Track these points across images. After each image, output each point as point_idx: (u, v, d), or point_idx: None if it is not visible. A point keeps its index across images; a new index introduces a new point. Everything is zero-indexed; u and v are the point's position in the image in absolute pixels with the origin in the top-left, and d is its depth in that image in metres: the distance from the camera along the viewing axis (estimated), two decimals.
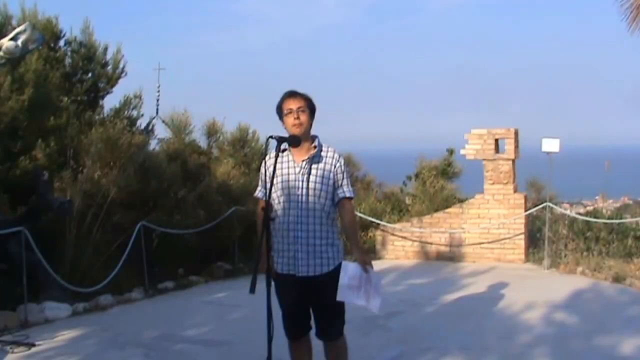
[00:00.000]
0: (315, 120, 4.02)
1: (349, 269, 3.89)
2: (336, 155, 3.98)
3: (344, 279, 3.86)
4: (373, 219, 11.59)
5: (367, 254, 4.03)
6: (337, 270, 3.93)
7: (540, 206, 10.29)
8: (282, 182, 3.92)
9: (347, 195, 3.96)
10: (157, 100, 14.91)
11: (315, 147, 3.95)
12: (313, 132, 4.01)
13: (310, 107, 3.97)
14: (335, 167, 3.95)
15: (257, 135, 14.08)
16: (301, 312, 4.03)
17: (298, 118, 3.89)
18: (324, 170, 3.93)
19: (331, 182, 3.94)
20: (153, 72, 15.74)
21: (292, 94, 3.96)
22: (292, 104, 3.91)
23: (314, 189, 3.89)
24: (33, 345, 5.71)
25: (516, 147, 10.41)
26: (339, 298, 3.85)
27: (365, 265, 3.90)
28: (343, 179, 3.97)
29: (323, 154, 3.96)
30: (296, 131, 3.88)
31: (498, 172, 10.31)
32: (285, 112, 3.93)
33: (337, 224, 4.06)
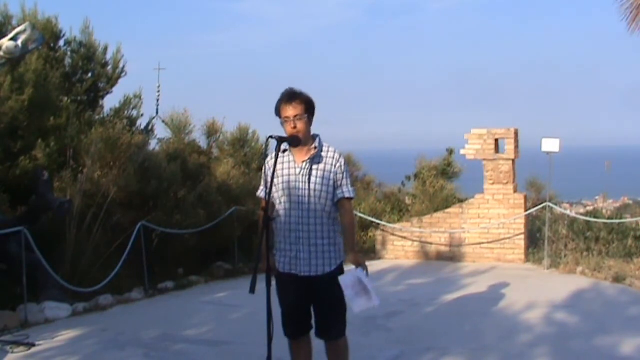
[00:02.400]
0: (315, 120, 3.99)
1: (347, 280, 3.86)
2: (337, 156, 3.97)
3: (348, 291, 3.84)
4: (373, 219, 11.58)
5: (361, 256, 4.04)
6: (338, 269, 3.94)
7: (540, 206, 10.28)
8: (283, 182, 3.91)
9: (347, 195, 3.95)
10: (157, 100, 14.95)
11: (315, 147, 3.94)
12: (313, 131, 3.99)
13: (308, 111, 3.91)
14: (335, 167, 3.94)
15: (257, 135, 14.11)
16: (302, 311, 4.02)
17: (295, 127, 3.86)
18: (324, 170, 3.92)
19: (332, 182, 3.92)
20: (153, 72, 15.80)
21: (289, 99, 3.89)
22: (290, 112, 3.86)
23: (315, 189, 3.89)
24: (33, 345, 5.71)
25: (516, 147, 10.41)
26: (356, 310, 3.85)
27: (359, 266, 3.90)
28: (343, 179, 3.95)
29: (324, 154, 3.95)
30: None
31: (498, 172, 10.30)
32: (283, 119, 3.90)
33: (339, 223, 4.04)
